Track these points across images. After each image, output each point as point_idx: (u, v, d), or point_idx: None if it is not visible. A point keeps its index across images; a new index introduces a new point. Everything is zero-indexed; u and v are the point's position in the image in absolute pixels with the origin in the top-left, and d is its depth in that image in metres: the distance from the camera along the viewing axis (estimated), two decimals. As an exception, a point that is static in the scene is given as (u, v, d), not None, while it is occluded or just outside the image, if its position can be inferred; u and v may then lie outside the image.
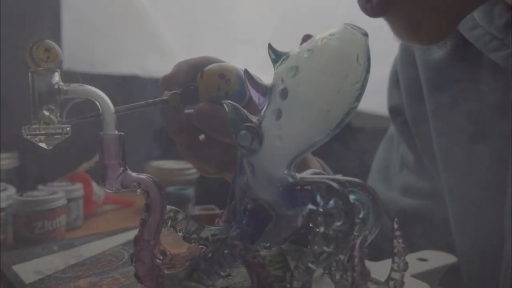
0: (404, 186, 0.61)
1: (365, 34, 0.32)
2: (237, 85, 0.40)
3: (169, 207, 0.39)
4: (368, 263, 0.33)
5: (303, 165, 0.45)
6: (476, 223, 0.48)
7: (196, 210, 0.67)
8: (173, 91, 0.42)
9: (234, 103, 0.33)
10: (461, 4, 0.33)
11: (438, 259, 0.46)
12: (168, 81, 0.41)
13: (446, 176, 0.51)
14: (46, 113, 0.37)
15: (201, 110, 0.40)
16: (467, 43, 0.45)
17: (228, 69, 0.40)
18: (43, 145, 0.38)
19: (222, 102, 0.34)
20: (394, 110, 0.60)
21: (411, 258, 0.45)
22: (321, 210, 0.29)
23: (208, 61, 0.41)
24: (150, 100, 0.42)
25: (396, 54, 0.60)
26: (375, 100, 0.70)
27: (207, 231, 0.38)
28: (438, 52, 0.50)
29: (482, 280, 0.49)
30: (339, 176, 0.46)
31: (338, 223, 0.28)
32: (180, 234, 0.39)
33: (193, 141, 0.44)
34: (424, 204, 0.58)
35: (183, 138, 0.43)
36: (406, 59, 0.56)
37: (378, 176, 0.65)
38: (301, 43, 0.33)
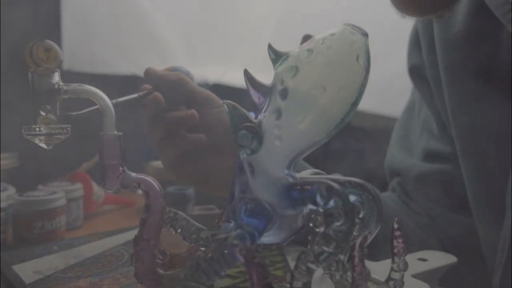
0: (425, 151, 0.60)
1: (365, 34, 0.32)
2: None
3: (168, 207, 0.39)
4: (368, 263, 0.33)
5: None
6: (490, 185, 0.48)
7: (196, 210, 0.67)
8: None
9: (234, 103, 0.33)
10: None
11: (438, 259, 0.46)
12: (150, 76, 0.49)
13: (458, 139, 0.51)
14: (46, 113, 0.37)
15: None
16: (486, 10, 0.44)
17: None
18: (43, 145, 0.38)
19: (222, 102, 0.34)
20: (415, 70, 0.59)
21: (411, 258, 0.45)
22: (321, 210, 0.29)
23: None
24: (135, 94, 0.47)
25: None
26: (375, 100, 0.70)
27: (207, 231, 0.38)
28: (455, 25, 0.50)
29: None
30: (339, 176, 0.46)
31: (338, 223, 0.28)
32: (180, 234, 0.39)
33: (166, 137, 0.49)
34: (445, 168, 0.57)
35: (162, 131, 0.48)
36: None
37: (398, 145, 0.65)
38: (301, 43, 0.33)
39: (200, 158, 0.51)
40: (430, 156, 0.59)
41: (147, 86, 0.49)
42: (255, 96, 0.33)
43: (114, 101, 0.40)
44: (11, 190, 0.67)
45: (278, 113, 0.32)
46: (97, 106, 0.40)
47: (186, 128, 0.49)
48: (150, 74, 0.49)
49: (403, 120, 0.67)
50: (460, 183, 0.54)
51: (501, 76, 0.46)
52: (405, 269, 0.35)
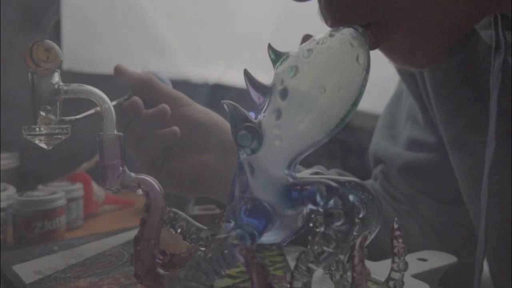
0: (409, 139, 0.60)
1: (365, 35, 0.32)
2: None
3: (168, 207, 0.39)
4: (368, 263, 0.33)
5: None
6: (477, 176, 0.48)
7: (196, 210, 0.67)
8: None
9: (234, 103, 0.33)
10: (452, 28, 0.34)
11: (438, 259, 0.46)
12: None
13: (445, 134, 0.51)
14: (46, 113, 0.37)
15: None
16: None
17: None
18: (43, 145, 0.38)
19: (222, 102, 0.34)
20: None
21: (411, 258, 0.45)
22: (321, 210, 0.29)
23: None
24: (115, 101, 0.48)
25: None
26: (375, 100, 0.70)
27: (207, 231, 0.38)
28: None
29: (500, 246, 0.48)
30: (339, 176, 0.46)
31: (338, 223, 0.28)
32: (180, 234, 0.39)
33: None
34: (429, 157, 0.57)
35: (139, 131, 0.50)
36: None
37: (383, 132, 0.64)
38: (301, 43, 0.33)
39: (175, 156, 0.52)
40: (414, 145, 0.59)
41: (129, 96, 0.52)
42: (255, 96, 0.33)
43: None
44: (11, 190, 0.67)
45: (278, 113, 0.32)
46: (91, 111, 0.41)
47: (158, 126, 0.50)
48: (120, 72, 0.52)
49: (389, 108, 0.67)
50: (443, 172, 0.54)
51: (482, 76, 0.46)
52: (405, 269, 0.35)
